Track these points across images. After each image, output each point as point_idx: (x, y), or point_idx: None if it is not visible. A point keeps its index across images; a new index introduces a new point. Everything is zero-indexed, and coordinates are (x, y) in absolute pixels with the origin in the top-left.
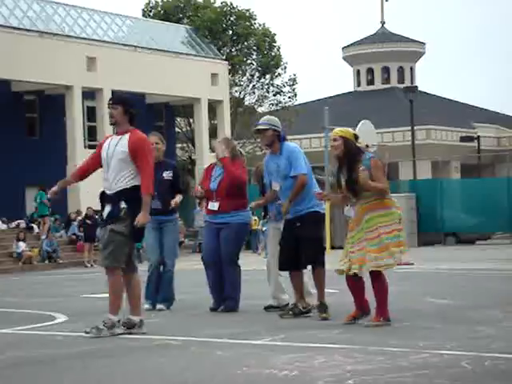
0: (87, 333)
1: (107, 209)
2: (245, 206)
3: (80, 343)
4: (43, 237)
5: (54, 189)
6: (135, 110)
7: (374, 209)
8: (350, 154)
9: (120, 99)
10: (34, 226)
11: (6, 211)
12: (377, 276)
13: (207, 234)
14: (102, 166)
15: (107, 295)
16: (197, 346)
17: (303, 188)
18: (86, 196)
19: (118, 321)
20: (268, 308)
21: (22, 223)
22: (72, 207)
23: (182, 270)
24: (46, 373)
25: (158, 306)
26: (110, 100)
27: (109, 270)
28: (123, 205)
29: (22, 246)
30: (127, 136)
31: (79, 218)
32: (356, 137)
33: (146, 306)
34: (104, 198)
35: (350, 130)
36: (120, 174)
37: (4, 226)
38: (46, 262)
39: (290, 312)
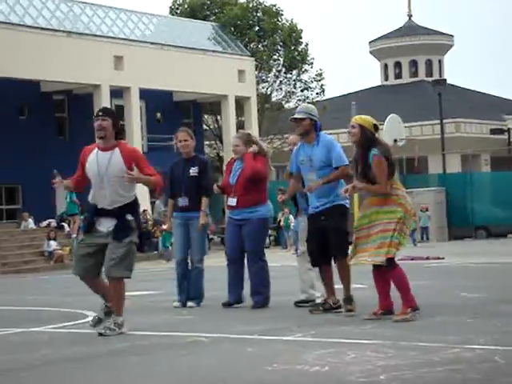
0: (101, 334)
1: (110, 222)
2: (264, 201)
3: (112, 341)
4: (74, 235)
5: (62, 182)
6: (121, 124)
7: (378, 204)
8: (364, 142)
9: (110, 112)
10: (65, 225)
11: (36, 211)
12: (390, 267)
13: (229, 230)
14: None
15: (138, 293)
16: (228, 342)
17: (342, 178)
18: None
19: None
20: (299, 303)
21: (53, 222)
22: None
23: (212, 266)
24: (78, 371)
25: (189, 304)
26: (99, 112)
27: (122, 279)
28: (130, 217)
29: (53, 244)
30: (117, 151)
31: None
32: (376, 127)
33: (175, 303)
34: (99, 212)
35: (371, 118)
36: (119, 189)
37: (35, 226)
38: None
39: (321, 307)
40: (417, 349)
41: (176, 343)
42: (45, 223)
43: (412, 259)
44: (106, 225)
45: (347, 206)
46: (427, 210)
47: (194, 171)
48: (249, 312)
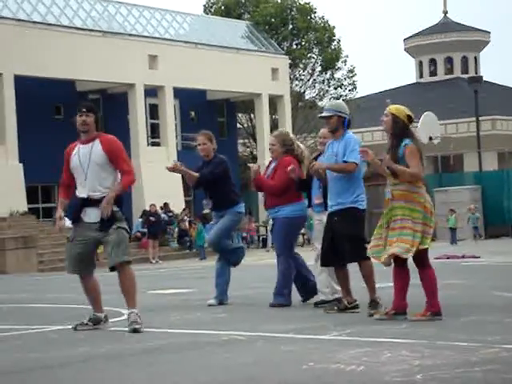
0: (134, 330)
1: (95, 212)
2: (291, 200)
3: (147, 339)
4: None
5: (60, 217)
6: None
7: (399, 199)
8: (396, 132)
9: (92, 107)
10: None
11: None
12: (421, 267)
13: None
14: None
15: (173, 291)
16: (263, 341)
17: (345, 172)
18: (149, 193)
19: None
20: (318, 304)
21: None
22: (136, 205)
23: (250, 265)
24: (113, 368)
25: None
26: (83, 108)
27: (125, 265)
28: (115, 208)
29: None
30: (98, 142)
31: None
32: (410, 118)
33: (209, 301)
34: (85, 202)
35: (405, 109)
36: (101, 179)
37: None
38: None
39: (335, 307)
40: (453, 348)
41: (211, 341)
42: None
43: (448, 258)
44: (92, 216)
45: (361, 208)
46: (475, 211)
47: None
48: (283, 311)
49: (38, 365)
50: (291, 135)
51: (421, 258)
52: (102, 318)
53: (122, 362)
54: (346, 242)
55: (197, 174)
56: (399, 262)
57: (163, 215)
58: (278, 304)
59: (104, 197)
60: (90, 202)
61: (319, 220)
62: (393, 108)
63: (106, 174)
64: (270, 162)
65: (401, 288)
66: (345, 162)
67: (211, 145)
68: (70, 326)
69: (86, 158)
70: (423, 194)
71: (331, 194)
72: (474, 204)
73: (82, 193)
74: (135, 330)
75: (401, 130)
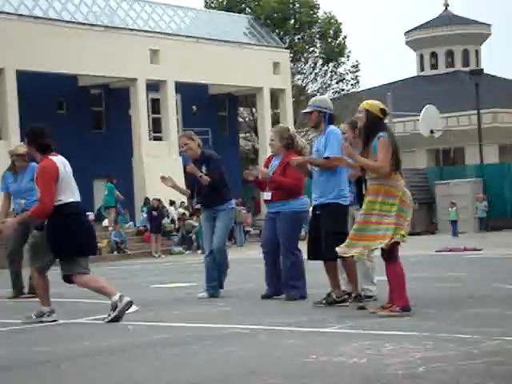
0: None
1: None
2: (294, 195)
3: (151, 332)
4: (110, 228)
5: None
6: (41, 140)
7: (374, 193)
8: (369, 126)
9: (26, 133)
10: (106, 218)
11: None
12: (388, 260)
13: (265, 223)
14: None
15: (175, 285)
16: (265, 334)
17: (327, 168)
18: (151, 188)
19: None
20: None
21: (91, 215)
22: (138, 199)
23: (249, 258)
24: (118, 362)
25: (204, 294)
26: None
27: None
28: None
29: None
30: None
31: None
32: (383, 111)
33: (200, 294)
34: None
35: (378, 103)
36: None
37: None
38: (115, 253)
39: (324, 301)
40: (455, 341)
41: (214, 335)
42: None
43: (449, 250)
44: None
45: (344, 204)
46: (484, 199)
47: (204, 170)
48: (285, 304)
49: (42, 359)
50: (291, 130)
51: (390, 251)
52: (46, 312)
53: (127, 355)
54: (325, 238)
55: (208, 178)
56: (383, 257)
57: (173, 211)
58: (295, 297)
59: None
60: None
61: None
62: (366, 103)
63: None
64: (271, 157)
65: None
66: (326, 157)
67: (194, 142)
68: (74, 321)
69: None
70: (401, 188)
71: (314, 188)
72: (479, 195)
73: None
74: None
75: (374, 123)
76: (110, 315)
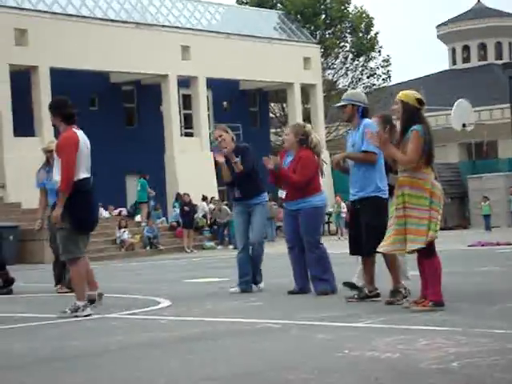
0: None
1: None
2: (313, 192)
3: (184, 327)
4: (143, 223)
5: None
6: (66, 110)
7: (404, 185)
8: (407, 117)
9: (50, 105)
10: (138, 214)
11: (107, 199)
12: (425, 255)
13: (284, 219)
14: None
15: (208, 280)
16: (297, 329)
17: (365, 162)
18: (183, 183)
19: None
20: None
21: (124, 211)
22: (170, 194)
23: (280, 253)
24: (151, 356)
25: (260, 286)
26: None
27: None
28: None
29: (125, 233)
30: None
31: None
32: (420, 102)
33: (232, 289)
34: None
35: (415, 93)
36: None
37: (107, 214)
38: (148, 248)
39: (356, 296)
40: (489, 336)
41: (246, 329)
42: (116, 212)
43: (482, 245)
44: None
45: (384, 197)
46: None
47: (238, 161)
48: (317, 299)
49: (76, 353)
50: (308, 127)
51: (427, 245)
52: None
53: (159, 349)
54: (366, 232)
55: (241, 167)
56: (420, 252)
57: (206, 207)
58: (326, 291)
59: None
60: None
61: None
62: (401, 94)
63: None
64: (284, 153)
65: (422, 271)
66: (364, 151)
67: (228, 135)
68: (108, 315)
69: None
70: (430, 180)
71: (352, 183)
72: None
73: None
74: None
75: (411, 114)
76: (66, 312)
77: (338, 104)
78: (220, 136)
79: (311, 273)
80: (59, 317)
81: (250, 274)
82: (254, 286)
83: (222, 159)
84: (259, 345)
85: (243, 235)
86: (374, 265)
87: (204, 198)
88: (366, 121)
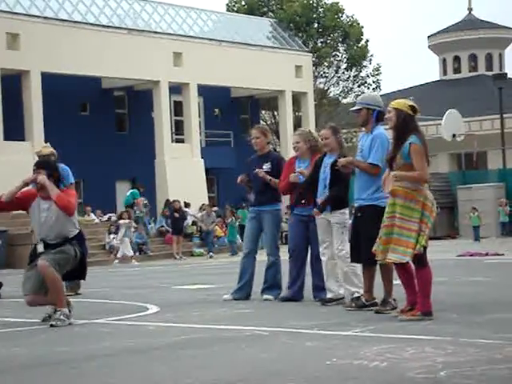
0: (52, 326)
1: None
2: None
3: (172, 333)
4: (133, 230)
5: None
6: (58, 173)
7: (397, 195)
8: (401, 126)
9: (43, 164)
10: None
11: (97, 205)
12: (417, 265)
13: (292, 228)
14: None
15: (196, 287)
16: (286, 336)
17: (368, 174)
18: (173, 189)
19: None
20: (325, 301)
21: (114, 216)
22: (160, 201)
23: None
24: (138, 362)
25: (264, 296)
26: (34, 165)
27: (50, 271)
28: (68, 245)
29: (114, 238)
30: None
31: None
32: (413, 109)
33: (225, 296)
34: (42, 242)
35: (407, 100)
36: (59, 229)
37: (97, 220)
38: (137, 254)
39: (353, 304)
40: (477, 346)
41: (235, 336)
42: (106, 217)
43: (471, 255)
44: (41, 248)
45: (382, 206)
46: (506, 204)
47: (266, 167)
48: (306, 306)
49: (63, 358)
50: (315, 133)
51: (418, 256)
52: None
53: (147, 356)
54: (362, 242)
55: (277, 181)
56: (412, 262)
57: (190, 213)
58: (327, 301)
59: (58, 243)
60: (46, 246)
61: (322, 217)
62: (394, 103)
63: (61, 226)
64: (294, 159)
65: (407, 284)
66: (369, 163)
67: (265, 138)
68: (96, 321)
69: (44, 213)
70: (424, 192)
71: (355, 188)
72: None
73: (39, 246)
74: (51, 325)
75: (405, 122)
76: (64, 320)
77: (353, 108)
78: (257, 138)
79: (317, 281)
80: (54, 325)
81: (249, 282)
82: (265, 295)
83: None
84: (246, 352)
85: (250, 241)
86: (374, 274)
87: (186, 205)
88: (380, 131)
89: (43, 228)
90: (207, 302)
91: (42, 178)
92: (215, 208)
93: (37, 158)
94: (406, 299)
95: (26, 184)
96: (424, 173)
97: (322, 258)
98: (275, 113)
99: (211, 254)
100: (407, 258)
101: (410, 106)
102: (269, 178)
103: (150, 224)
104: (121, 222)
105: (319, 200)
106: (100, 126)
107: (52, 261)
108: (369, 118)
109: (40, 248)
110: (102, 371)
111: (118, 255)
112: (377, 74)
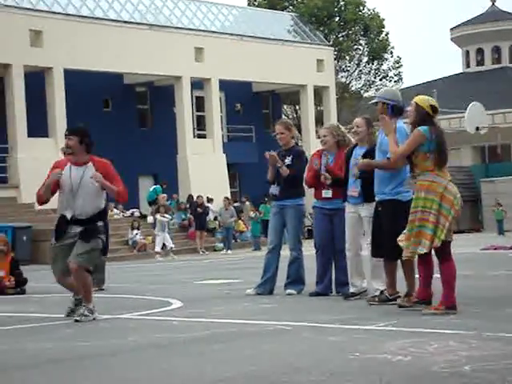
0: (77, 321)
1: (80, 227)
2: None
3: (195, 328)
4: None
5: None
6: (90, 140)
7: (418, 189)
8: (416, 120)
9: (75, 131)
10: (148, 216)
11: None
12: (441, 258)
13: (318, 220)
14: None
15: (220, 281)
16: (309, 331)
17: (387, 170)
18: (195, 185)
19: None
20: (348, 296)
21: (136, 212)
22: (182, 196)
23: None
24: (163, 357)
25: (287, 291)
26: (66, 131)
27: (83, 269)
28: (100, 223)
29: (137, 234)
30: (91, 165)
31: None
32: (434, 108)
33: (248, 291)
34: (71, 221)
35: (430, 99)
36: (92, 200)
37: (120, 215)
38: (160, 249)
39: (377, 299)
40: (501, 340)
41: (258, 331)
42: (128, 213)
43: (495, 249)
44: (75, 228)
45: (403, 200)
46: None
47: (288, 160)
48: (329, 301)
49: (88, 353)
50: (343, 128)
51: (441, 249)
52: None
53: (171, 350)
54: (384, 237)
55: (287, 171)
56: (436, 256)
57: (212, 208)
58: (348, 295)
59: (90, 218)
60: (75, 222)
61: (353, 212)
62: (417, 98)
63: (95, 197)
64: (320, 153)
65: (424, 277)
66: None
67: (289, 133)
68: (120, 316)
69: (78, 181)
70: (443, 184)
71: (376, 183)
72: None
73: (67, 213)
74: (75, 320)
75: (422, 119)
76: (87, 316)
77: (372, 101)
78: (282, 133)
79: (340, 276)
80: (79, 320)
81: (273, 277)
82: (288, 290)
83: (274, 154)
84: (270, 347)
85: (275, 235)
86: (396, 268)
87: (209, 200)
88: (397, 125)
89: (77, 200)
90: (230, 296)
91: (99, 176)
92: (236, 204)
93: (61, 155)
94: (417, 291)
95: (60, 175)
96: (401, 149)
97: (348, 254)
98: (297, 107)
99: (227, 250)
100: (424, 250)
101: (431, 105)
102: (279, 163)
103: (171, 219)
104: (158, 216)
105: (351, 189)
106: (122, 122)
107: (84, 262)
108: (384, 112)
109: (68, 219)
110: (127, 366)
111: (157, 249)
112: (398, 67)
